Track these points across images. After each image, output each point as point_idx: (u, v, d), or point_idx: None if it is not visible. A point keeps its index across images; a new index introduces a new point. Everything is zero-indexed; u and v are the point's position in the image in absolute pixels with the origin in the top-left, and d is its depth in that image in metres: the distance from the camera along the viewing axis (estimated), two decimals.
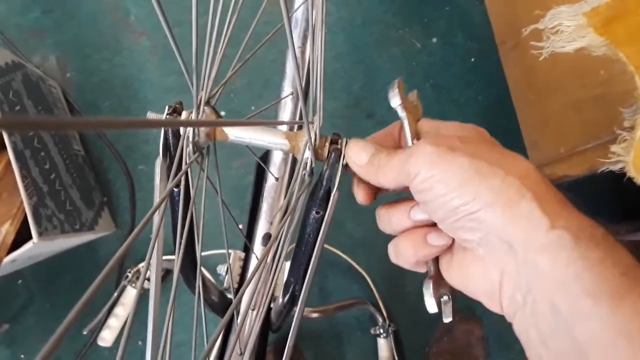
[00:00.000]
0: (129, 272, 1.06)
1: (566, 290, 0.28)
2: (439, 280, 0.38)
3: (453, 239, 0.35)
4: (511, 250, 0.30)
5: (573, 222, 0.29)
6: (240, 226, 0.74)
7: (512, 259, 0.30)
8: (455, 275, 0.36)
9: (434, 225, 0.36)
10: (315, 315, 1.07)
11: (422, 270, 0.39)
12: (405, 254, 0.37)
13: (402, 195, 0.39)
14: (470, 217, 0.31)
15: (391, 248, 0.38)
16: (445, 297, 0.38)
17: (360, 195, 0.39)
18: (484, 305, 0.34)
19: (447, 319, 0.38)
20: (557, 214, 0.30)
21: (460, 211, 0.31)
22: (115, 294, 1.06)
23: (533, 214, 0.29)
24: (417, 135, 0.39)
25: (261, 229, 0.60)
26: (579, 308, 0.27)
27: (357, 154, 0.37)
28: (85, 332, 1.04)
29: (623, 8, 0.55)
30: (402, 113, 0.39)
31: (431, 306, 0.37)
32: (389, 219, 0.38)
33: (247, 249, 0.64)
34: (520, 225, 0.30)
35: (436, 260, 0.38)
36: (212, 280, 0.70)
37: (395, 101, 0.39)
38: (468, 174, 0.31)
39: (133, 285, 1.06)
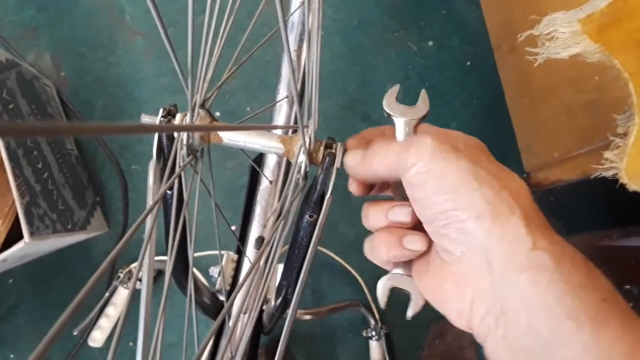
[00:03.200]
0: (121, 273, 1.06)
1: (547, 311, 0.28)
2: (400, 278, 0.38)
3: (428, 247, 0.35)
4: (489, 268, 0.30)
5: (556, 245, 0.29)
6: (233, 227, 0.74)
7: (488, 277, 0.30)
8: (429, 286, 0.35)
9: (410, 228, 0.36)
10: (307, 317, 1.06)
11: (389, 268, 0.39)
12: (378, 251, 0.36)
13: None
14: (458, 227, 0.31)
15: (367, 243, 0.38)
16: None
17: (354, 187, 0.39)
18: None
19: (410, 313, 0.38)
20: (541, 236, 0.30)
21: (449, 216, 0.31)
22: (107, 295, 1.05)
23: (519, 232, 0.29)
24: None
25: (254, 231, 0.60)
26: (560, 330, 0.27)
27: (352, 157, 0.37)
28: (75, 333, 1.04)
29: (618, 15, 0.55)
30: (394, 120, 0.39)
31: (380, 300, 0.38)
32: (367, 215, 0.38)
33: (240, 251, 0.64)
34: (504, 242, 0.29)
35: (409, 261, 0.38)
36: (204, 282, 0.70)
37: (386, 109, 0.39)
38: (466, 178, 0.30)
39: (125, 285, 1.06)
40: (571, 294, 0.27)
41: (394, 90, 0.40)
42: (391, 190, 0.40)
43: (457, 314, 0.33)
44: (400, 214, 0.36)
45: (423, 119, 0.39)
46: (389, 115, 0.39)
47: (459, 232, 0.31)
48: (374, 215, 0.38)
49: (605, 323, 0.27)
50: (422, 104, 0.39)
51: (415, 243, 0.35)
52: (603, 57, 0.58)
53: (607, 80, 0.81)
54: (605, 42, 0.56)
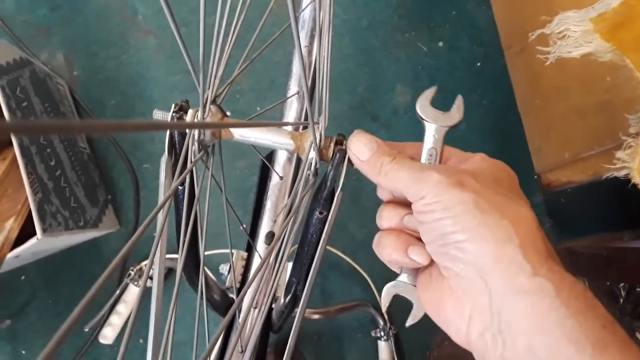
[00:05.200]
0: (132, 270, 1.07)
1: (547, 334, 0.29)
2: (404, 287, 0.39)
3: (430, 262, 0.36)
4: (486, 287, 0.31)
5: (555, 273, 0.31)
6: (244, 225, 0.74)
7: (485, 297, 0.31)
8: (430, 300, 0.37)
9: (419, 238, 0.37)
10: (316, 316, 1.07)
11: (395, 270, 0.40)
12: (383, 250, 0.38)
13: None
14: (456, 245, 0.32)
15: (376, 238, 0.39)
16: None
17: (385, 194, 0.40)
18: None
19: (409, 322, 0.39)
20: (540, 264, 0.31)
21: (449, 238, 0.33)
22: (118, 292, 1.06)
23: (515, 259, 0.31)
24: (440, 147, 0.39)
25: (264, 227, 0.60)
26: (560, 353, 0.29)
27: (359, 149, 0.37)
28: (86, 329, 1.04)
29: (630, 14, 0.55)
30: (425, 124, 0.39)
31: (383, 305, 0.39)
32: (381, 213, 0.39)
33: (250, 249, 0.65)
34: (500, 266, 0.31)
35: (415, 270, 0.39)
36: (214, 279, 0.70)
37: (419, 112, 0.39)
38: (467, 207, 0.32)
39: (135, 283, 1.06)
40: (572, 319, 0.29)
41: (430, 92, 0.39)
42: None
43: (456, 330, 0.34)
44: (414, 222, 0.37)
45: (455, 127, 0.39)
46: (421, 119, 0.39)
47: (458, 250, 0.32)
48: (388, 215, 0.39)
49: (605, 348, 0.28)
50: (456, 112, 0.39)
51: (418, 255, 0.36)
52: (615, 56, 0.57)
53: (619, 81, 0.80)
54: (617, 41, 0.55)
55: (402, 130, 1.21)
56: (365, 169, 0.37)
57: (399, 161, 0.36)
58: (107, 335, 1.06)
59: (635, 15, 0.55)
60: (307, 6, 0.52)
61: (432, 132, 0.38)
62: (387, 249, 0.37)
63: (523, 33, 1.12)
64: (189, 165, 0.36)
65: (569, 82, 0.98)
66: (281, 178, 0.57)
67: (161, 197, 0.38)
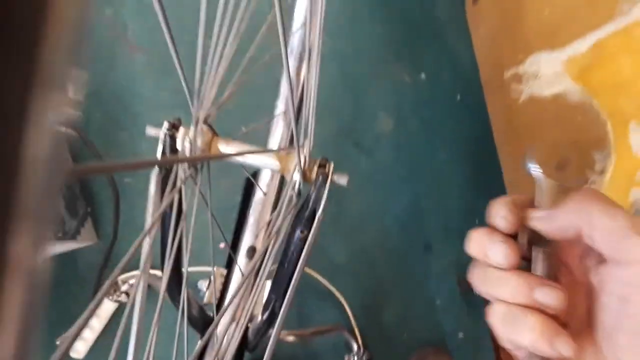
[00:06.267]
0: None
1: None
2: None
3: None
4: None
5: None
6: (222, 245, 0.75)
7: None
8: None
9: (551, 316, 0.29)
10: (291, 338, 1.07)
11: (514, 351, 0.32)
12: (522, 334, 0.29)
13: None
14: None
15: (503, 314, 0.30)
16: None
17: (510, 254, 0.31)
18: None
19: None
20: None
21: None
22: (91, 306, 1.05)
23: None
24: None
25: (246, 242, 0.61)
26: None
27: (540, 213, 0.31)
28: (58, 342, 1.03)
29: (599, 57, 0.58)
30: (541, 180, 0.35)
31: None
32: (507, 282, 0.30)
33: (229, 266, 0.66)
34: None
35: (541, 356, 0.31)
36: (192, 294, 0.71)
37: (531, 168, 0.35)
38: None
39: (110, 297, 1.05)
40: None
41: (534, 148, 0.36)
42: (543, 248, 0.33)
43: None
44: (552, 296, 0.29)
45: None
46: (534, 173, 0.35)
47: None
48: (516, 284, 0.30)
49: None
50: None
51: (566, 346, 0.28)
52: (584, 97, 0.61)
53: (589, 119, 0.84)
54: (586, 83, 0.59)
55: (383, 158, 1.23)
56: (551, 220, 0.31)
57: (600, 200, 0.30)
58: (79, 349, 1.04)
59: (603, 59, 0.59)
60: (297, 31, 0.54)
61: (549, 190, 0.35)
62: (529, 334, 0.28)
63: (501, 69, 1.16)
64: (178, 182, 0.38)
65: (542, 119, 1.01)
66: (265, 194, 0.58)
67: (149, 210, 0.39)
